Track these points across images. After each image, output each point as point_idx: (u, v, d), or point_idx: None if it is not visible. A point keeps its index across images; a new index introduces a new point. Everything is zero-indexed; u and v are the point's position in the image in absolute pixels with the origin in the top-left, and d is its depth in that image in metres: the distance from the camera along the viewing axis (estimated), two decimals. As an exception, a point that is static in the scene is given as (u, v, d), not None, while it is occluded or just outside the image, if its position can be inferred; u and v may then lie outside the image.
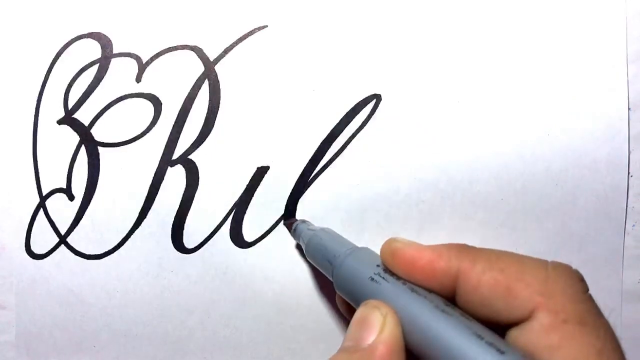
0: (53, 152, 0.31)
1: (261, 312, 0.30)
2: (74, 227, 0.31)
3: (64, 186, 0.31)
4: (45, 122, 0.31)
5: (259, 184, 0.30)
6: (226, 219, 0.30)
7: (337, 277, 0.22)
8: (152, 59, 0.30)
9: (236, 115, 0.30)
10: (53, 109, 0.31)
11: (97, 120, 0.31)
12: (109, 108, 0.30)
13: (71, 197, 0.31)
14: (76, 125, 0.31)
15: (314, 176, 0.30)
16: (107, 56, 0.30)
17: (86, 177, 0.31)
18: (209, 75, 0.30)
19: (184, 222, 0.30)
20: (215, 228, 0.30)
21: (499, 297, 0.17)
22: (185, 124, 0.30)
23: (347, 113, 0.30)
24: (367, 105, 0.30)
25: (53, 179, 0.31)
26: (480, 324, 0.17)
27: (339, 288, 0.22)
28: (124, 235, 0.31)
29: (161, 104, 0.30)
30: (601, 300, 0.17)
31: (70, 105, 0.31)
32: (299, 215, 0.30)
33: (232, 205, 0.30)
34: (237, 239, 0.30)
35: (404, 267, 0.19)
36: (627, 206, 0.29)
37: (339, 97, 0.30)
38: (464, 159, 0.29)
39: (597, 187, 0.29)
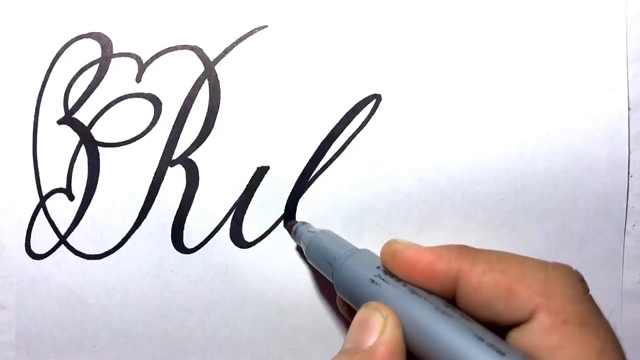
0: (53, 152, 0.31)
1: (261, 312, 0.30)
2: (74, 227, 0.31)
3: (64, 186, 0.31)
4: (45, 122, 0.31)
5: (259, 184, 0.30)
6: (226, 219, 0.30)
7: (337, 279, 0.22)
8: (152, 59, 0.30)
9: (236, 115, 0.30)
10: (53, 109, 0.31)
11: (97, 120, 0.31)
12: (109, 108, 0.30)
13: (71, 197, 0.31)
14: (76, 125, 0.31)
15: (314, 176, 0.30)
16: (107, 56, 0.30)
17: (86, 177, 0.31)
18: (209, 75, 0.30)
19: (184, 222, 0.30)
20: (215, 228, 0.30)
21: (500, 299, 0.17)
22: (185, 124, 0.30)
23: (347, 113, 0.30)
24: (367, 105, 0.30)
25: (53, 179, 0.31)
26: (480, 326, 0.17)
27: (339, 290, 0.22)
28: (124, 235, 0.31)
29: (161, 104, 0.30)
30: (601, 300, 0.17)
31: (70, 105, 0.31)
32: (299, 215, 0.30)
33: (232, 205, 0.30)
34: (237, 239, 0.30)
35: (404, 268, 0.19)
36: (627, 206, 0.29)
37: (339, 97, 0.30)
38: (464, 159, 0.29)
39: (597, 187, 0.29)
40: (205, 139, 0.30)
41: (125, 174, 0.30)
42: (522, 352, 0.16)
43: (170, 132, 0.30)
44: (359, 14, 0.30)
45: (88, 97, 0.30)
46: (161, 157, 0.30)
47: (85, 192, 0.31)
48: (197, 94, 0.30)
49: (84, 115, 0.31)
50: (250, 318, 0.31)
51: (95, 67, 0.30)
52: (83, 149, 0.31)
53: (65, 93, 0.31)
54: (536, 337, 0.16)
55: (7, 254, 0.31)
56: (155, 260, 0.31)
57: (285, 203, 0.30)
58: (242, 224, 0.30)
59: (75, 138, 0.31)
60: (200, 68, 0.30)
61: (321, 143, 0.30)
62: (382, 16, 0.30)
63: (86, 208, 0.31)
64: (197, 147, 0.30)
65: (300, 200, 0.30)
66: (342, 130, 0.30)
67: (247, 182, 0.30)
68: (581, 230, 0.29)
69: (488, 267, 0.18)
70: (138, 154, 0.30)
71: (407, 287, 0.19)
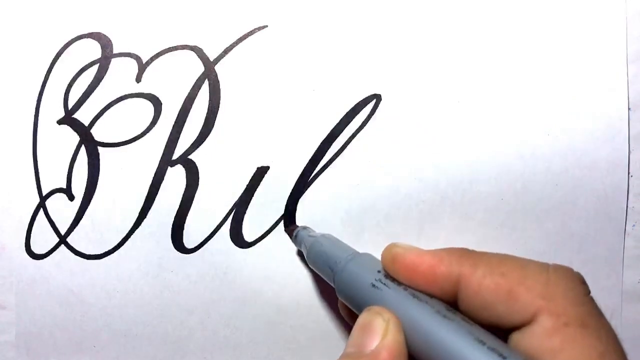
0: (53, 152, 0.31)
1: (261, 312, 0.30)
2: (74, 227, 0.31)
3: (64, 186, 0.31)
4: (45, 122, 0.31)
5: (259, 184, 0.30)
6: (226, 219, 0.30)
7: (338, 284, 0.22)
8: (152, 59, 0.30)
9: (236, 115, 0.30)
10: (53, 109, 0.31)
11: (97, 120, 0.31)
12: (109, 108, 0.30)
13: (71, 197, 0.31)
14: (76, 125, 0.31)
15: (314, 176, 0.30)
16: (107, 56, 0.30)
17: (86, 177, 0.31)
18: (209, 75, 0.30)
19: (184, 222, 0.30)
20: (215, 228, 0.30)
21: (501, 301, 0.17)
22: (185, 124, 0.30)
23: (347, 113, 0.30)
24: (367, 105, 0.30)
25: (53, 179, 0.31)
26: (482, 329, 0.17)
27: (341, 294, 0.22)
28: (124, 235, 0.31)
29: (161, 104, 0.30)
30: (601, 300, 0.17)
31: (70, 105, 0.31)
32: (299, 215, 0.30)
33: (232, 205, 0.30)
34: (237, 239, 0.30)
35: (404, 272, 0.19)
36: (627, 206, 0.29)
37: (339, 97, 0.30)
38: (464, 159, 0.29)
39: (597, 187, 0.29)
40: (205, 139, 0.30)
41: (125, 174, 0.30)
42: (523, 356, 0.16)
43: (170, 132, 0.30)
44: (359, 14, 0.30)
45: (88, 97, 0.30)
46: (161, 157, 0.30)
47: (85, 192, 0.31)
48: (197, 94, 0.30)
49: (84, 115, 0.31)
50: (250, 318, 0.31)
51: (95, 67, 0.30)
52: (83, 149, 0.31)
53: (65, 93, 0.31)
54: (537, 339, 0.16)
55: (7, 254, 0.31)
56: (155, 260, 0.31)
57: (285, 203, 0.30)
58: (242, 224, 0.30)
59: (75, 138, 0.31)
60: (200, 68, 0.30)
61: (321, 143, 0.30)
62: (382, 16, 0.30)
63: (86, 208, 0.31)
64: (197, 147, 0.30)
65: (300, 200, 0.30)
66: (342, 130, 0.30)
67: (247, 182, 0.30)
68: (581, 230, 0.29)
69: (489, 270, 0.18)
70: (138, 154, 0.30)
71: (408, 291, 0.19)
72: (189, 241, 0.30)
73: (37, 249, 0.31)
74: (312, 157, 0.30)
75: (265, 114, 0.30)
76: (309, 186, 0.30)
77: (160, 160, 0.30)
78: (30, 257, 0.31)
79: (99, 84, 0.30)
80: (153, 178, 0.30)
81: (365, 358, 0.18)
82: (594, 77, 0.29)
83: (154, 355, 0.31)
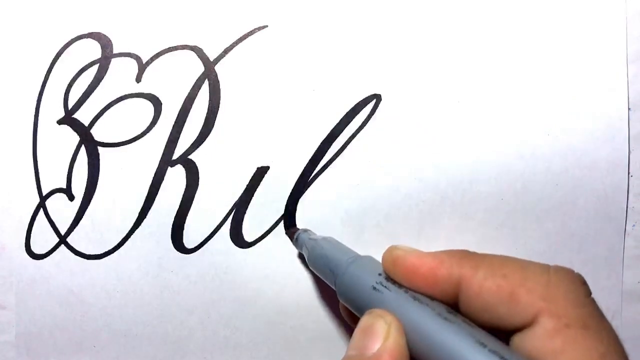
0: (53, 152, 0.31)
1: (261, 312, 0.30)
2: (74, 227, 0.31)
3: (64, 186, 0.31)
4: (45, 122, 0.31)
5: (259, 184, 0.30)
6: (226, 219, 0.30)
7: (339, 287, 0.22)
8: (152, 59, 0.30)
9: (236, 115, 0.30)
10: (53, 109, 0.31)
11: (97, 120, 0.31)
12: (109, 108, 0.30)
13: (71, 197, 0.31)
14: (76, 125, 0.31)
15: (314, 176, 0.30)
16: (107, 56, 0.30)
17: (86, 177, 0.31)
18: (209, 75, 0.30)
19: (184, 222, 0.30)
20: (215, 228, 0.30)
21: (502, 303, 0.17)
22: (185, 124, 0.30)
23: (347, 113, 0.30)
24: (367, 105, 0.30)
25: (53, 179, 0.31)
26: (483, 331, 0.17)
27: (342, 297, 0.22)
28: (124, 235, 0.31)
29: (161, 104, 0.30)
30: (601, 300, 0.17)
31: (70, 105, 0.31)
32: (299, 215, 0.30)
33: (232, 205, 0.30)
34: (237, 239, 0.30)
35: (405, 275, 0.19)
36: (627, 206, 0.29)
37: (339, 97, 0.30)
38: (464, 159, 0.29)
39: (597, 187, 0.29)
40: (205, 139, 0.30)
41: (125, 174, 0.30)
42: (524, 358, 0.16)
43: (170, 132, 0.30)
44: (359, 14, 0.30)
45: (88, 97, 0.30)
46: (161, 157, 0.30)
47: (85, 192, 0.31)
48: (197, 94, 0.30)
49: (84, 115, 0.31)
50: (250, 318, 0.31)
51: (95, 67, 0.30)
52: (83, 149, 0.31)
53: (65, 93, 0.31)
54: (539, 341, 0.16)
55: (7, 254, 0.31)
56: (155, 260, 0.31)
57: (285, 203, 0.30)
58: (242, 224, 0.30)
59: (75, 138, 0.31)
60: (200, 68, 0.30)
61: (321, 143, 0.30)
62: (382, 16, 0.30)
63: (86, 208, 0.31)
64: (197, 147, 0.30)
65: (300, 200, 0.30)
66: (342, 130, 0.30)
67: (247, 182, 0.30)
68: (581, 230, 0.29)
69: (490, 272, 0.18)
70: (138, 154, 0.30)
71: (409, 294, 0.19)
72: (189, 241, 0.30)
73: (37, 249, 0.31)
74: (312, 157, 0.30)
75: (265, 114, 0.30)
76: (309, 186, 0.30)
77: (160, 160, 0.30)
78: (30, 257, 0.31)
79: (99, 84, 0.30)
80: (153, 178, 0.30)
81: None
82: (594, 77, 0.29)
83: (154, 355, 0.31)
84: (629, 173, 0.29)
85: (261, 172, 0.30)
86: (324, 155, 0.30)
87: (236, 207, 0.30)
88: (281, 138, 0.30)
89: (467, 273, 0.18)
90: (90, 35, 0.30)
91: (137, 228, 0.30)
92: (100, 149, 0.31)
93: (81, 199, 0.31)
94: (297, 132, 0.30)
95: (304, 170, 0.30)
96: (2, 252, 0.31)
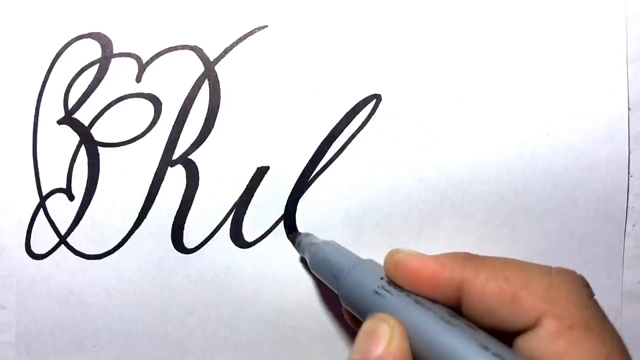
0: (53, 152, 0.31)
1: (261, 312, 0.30)
2: (74, 227, 0.31)
3: (64, 186, 0.31)
4: (45, 122, 0.31)
5: (259, 184, 0.30)
6: (226, 219, 0.30)
7: (342, 291, 0.22)
8: (152, 59, 0.30)
9: (236, 115, 0.30)
10: (53, 109, 0.31)
11: (97, 120, 0.31)
12: (109, 108, 0.30)
13: (71, 197, 0.31)
14: (76, 125, 0.31)
15: (314, 176, 0.30)
16: (107, 56, 0.30)
17: (86, 177, 0.31)
18: (209, 75, 0.30)
19: (184, 222, 0.30)
20: (215, 228, 0.30)
21: (504, 306, 0.17)
22: (185, 124, 0.30)
23: (347, 113, 0.30)
24: (367, 105, 0.30)
25: (53, 179, 0.31)
26: (486, 334, 0.17)
27: (345, 301, 0.22)
28: (124, 235, 0.31)
29: (161, 104, 0.30)
30: (601, 300, 0.17)
31: (70, 105, 0.31)
32: (299, 215, 0.30)
33: (232, 205, 0.30)
34: (237, 239, 0.30)
35: (407, 278, 0.19)
36: (627, 206, 0.29)
37: (339, 97, 0.30)
38: (464, 159, 0.29)
39: (597, 187, 0.29)
40: (205, 139, 0.30)
41: (125, 174, 0.30)
42: None
43: (170, 132, 0.30)
44: (359, 14, 0.30)
45: (88, 97, 0.30)
46: (161, 157, 0.30)
47: (85, 192, 0.31)
48: (197, 94, 0.30)
49: (84, 115, 0.31)
50: (250, 318, 0.31)
51: (95, 67, 0.30)
52: (83, 149, 0.31)
53: (65, 93, 0.31)
54: (542, 343, 0.16)
55: (7, 254, 0.31)
56: (155, 260, 0.31)
57: (285, 203, 0.30)
58: (242, 224, 0.30)
59: (75, 138, 0.31)
60: (200, 68, 0.30)
61: (321, 143, 0.30)
62: (382, 16, 0.30)
63: (86, 208, 0.31)
64: (197, 147, 0.30)
65: (300, 200, 0.30)
66: (342, 130, 0.30)
67: (247, 182, 0.30)
68: (581, 230, 0.29)
69: (492, 275, 0.18)
70: (138, 154, 0.30)
71: (411, 298, 0.19)
72: (189, 241, 0.30)
73: (37, 249, 0.31)
74: (312, 157, 0.30)
75: (265, 114, 0.30)
76: (309, 186, 0.30)
77: (160, 160, 0.30)
78: (30, 257, 0.31)
79: (99, 84, 0.30)
80: (153, 178, 0.30)
81: None
82: (594, 77, 0.29)
83: (154, 355, 0.31)
84: (629, 173, 0.29)
85: (261, 172, 0.30)
86: (324, 155, 0.30)
87: (236, 207, 0.30)
88: (281, 138, 0.30)
89: (469, 276, 0.18)
90: (90, 35, 0.30)
91: (137, 228, 0.30)
92: (100, 149, 0.31)
93: (81, 199, 0.31)
94: (297, 132, 0.30)
95: (304, 170, 0.30)
96: (2, 252, 0.31)
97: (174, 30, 0.30)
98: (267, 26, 0.30)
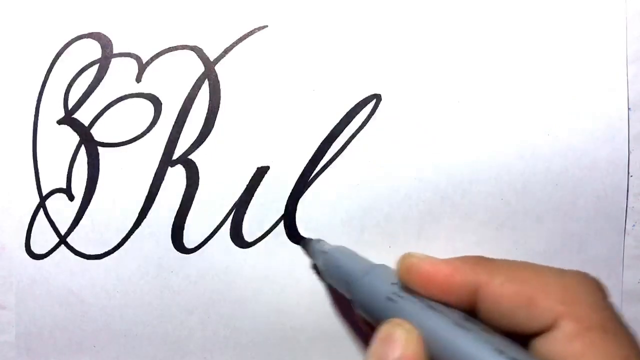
0: (53, 152, 0.31)
1: (261, 312, 0.30)
2: (74, 227, 0.31)
3: (64, 186, 0.31)
4: (45, 122, 0.31)
5: (259, 184, 0.30)
6: (226, 219, 0.30)
7: (356, 298, 0.22)
8: (152, 59, 0.30)
9: (236, 115, 0.30)
10: (53, 109, 0.31)
11: (97, 120, 0.31)
12: (109, 108, 0.30)
13: (71, 197, 0.31)
14: (76, 125, 0.31)
15: (314, 176, 0.30)
16: (107, 56, 0.30)
17: (86, 177, 0.31)
18: (209, 75, 0.30)
19: (184, 222, 0.30)
20: (215, 228, 0.30)
21: (520, 308, 0.17)
22: (185, 124, 0.30)
23: (347, 113, 0.30)
24: (367, 105, 0.30)
25: (53, 179, 0.31)
26: (501, 338, 0.17)
27: (359, 308, 0.22)
28: (124, 235, 0.31)
29: (161, 104, 0.30)
30: (601, 300, 0.17)
31: (70, 105, 0.31)
32: (299, 215, 0.30)
33: (232, 205, 0.30)
34: (237, 239, 0.30)
35: (421, 283, 0.19)
36: (627, 206, 0.29)
37: (339, 97, 0.30)
38: (464, 159, 0.29)
39: (597, 187, 0.29)
40: (205, 139, 0.30)
41: (125, 174, 0.30)
42: None
43: (170, 132, 0.30)
44: (359, 14, 0.30)
45: (88, 97, 0.30)
46: (161, 157, 0.30)
47: (85, 192, 0.31)
48: (197, 94, 0.30)
49: (84, 115, 0.31)
50: (250, 318, 0.31)
51: (95, 67, 0.30)
52: (83, 149, 0.31)
53: (65, 93, 0.31)
54: (559, 345, 0.16)
55: (7, 254, 0.31)
56: (155, 260, 0.31)
57: (285, 203, 0.30)
58: (242, 224, 0.30)
59: (75, 138, 0.31)
60: (200, 68, 0.30)
61: (321, 143, 0.30)
62: (382, 16, 0.30)
63: (86, 208, 0.31)
64: (197, 147, 0.30)
65: (301, 200, 0.30)
66: (342, 130, 0.30)
67: (247, 182, 0.30)
68: (581, 230, 0.29)
69: (507, 278, 0.18)
70: (138, 154, 0.30)
71: (425, 303, 0.19)
72: (189, 241, 0.30)
73: (37, 249, 0.31)
74: (312, 157, 0.30)
75: (265, 114, 0.30)
76: (309, 186, 0.30)
77: (160, 160, 0.30)
78: (30, 257, 0.31)
79: (99, 84, 0.30)
80: (153, 178, 0.30)
81: None
82: (594, 77, 0.29)
83: (154, 355, 0.31)
84: (628, 173, 0.29)
85: (261, 172, 0.30)
86: (324, 155, 0.30)
87: (236, 207, 0.30)
88: (281, 138, 0.30)
89: (483, 279, 0.18)
90: (90, 35, 0.30)
91: (137, 228, 0.30)
92: (100, 149, 0.31)
93: (81, 199, 0.31)
94: (297, 132, 0.30)
95: (304, 170, 0.30)
96: (2, 252, 0.31)
97: (174, 30, 0.30)
98: (267, 26, 0.30)
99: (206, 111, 0.30)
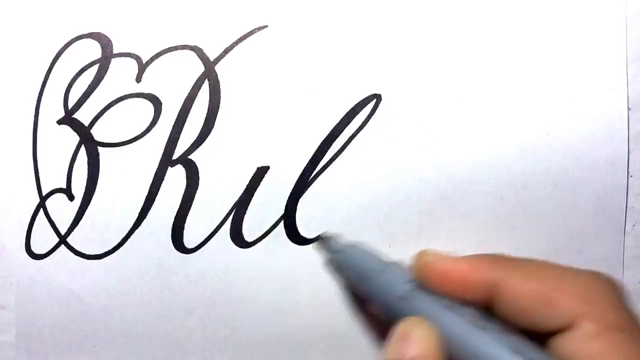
0: (53, 152, 0.31)
1: (261, 312, 0.30)
2: (74, 227, 0.31)
3: (64, 186, 0.31)
4: (45, 122, 0.31)
5: (259, 184, 0.30)
6: (226, 219, 0.30)
7: (371, 295, 0.22)
8: (152, 59, 0.30)
9: (236, 115, 0.30)
10: (53, 109, 0.31)
11: (97, 120, 0.31)
12: (109, 108, 0.30)
13: (71, 197, 0.31)
14: (76, 125, 0.31)
15: (314, 176, 0.30)
16: (107, 56, 0.30)
17: (86, 177, 0.31)
18: (209, 75, 0.30)
19: (184, 222, 0.30)
20: (215, 228, 0.30)
21: (539, 307, 0.17)
22: (185, 124, 0.30)
23: (347, 113, 0.30)
24: (367, 105, 0.30)
25: (53, 179, 0.31)
26: (518, 337, 0.17)
27: (375, 305, 0.22)
28: (124, 235, 0.31)
29: (161, 104, 0.30)
30: (601, 300, 0.17)
31: (70, 105, 0.31)
32: (299, 215, 0.30)
33: (232, 205, 0.30)
34: (237, 239, 0.30)
35: (437, 280, 0.19)
36: (627, 206, 0.29)
37: (339, 97, 0.30)
38: (464, 159, 0.29)
39: (597, 187, 0.29)
40: (205, 139, 0.30)
41: (125, 174, 0.30)
42: None
43: (170, 132, 0.30)
44: (359, 14, 0.30)
45: (88, 97, 0.30)
46: (161, 157, 0.30)
47: (85, 192, 0.31)
48: (197, 94, 0.30)
49: (84, 115, 0.31)
50: (250, 318, 0.31)
51: (95, 67, 0.30)
52: (83, 149, 0.31)
53: (65, 93, 0.31)
54: (577, 344, 0.16)
55: (7, 254, 0.31)
56: (155, 260, 0.31)
57: (285, 203, 0.30)
58: (242, 224, 0.30)
59: (75, 138, 0.31)
60: (200, 68, 0.30)
61: (321, 143, 0.30)
62: (382, 16, 0.30)
63: (86, 208, 0.31)
64: (197, 147, 0.30)
65: (301, 200, 0.30)
66: (342, 130, 0.30)
67: (247, 182, 0.30)
68: (581, 230, 0.29)
69: (525, 276, 0.18)
70: (138, 154, 0.30)
71: (442, 301, 0.19)
72: (189, 241, 0.30)
73: (37, 249, 0.31)
74: (312, 157, 0.30)
75: (265, 114, 0.30)
76: (309, 186, 0.30)
77: (160, 160, 0.30)
78: (30, 257, 0.31)
79: (99, 84, 0.30)
80: (153, 178, 0.30)
81: None
82: (594, 77, 0.29)
83: (154, 355, 0.31)
84: (628, 173, 0.29)
85: (261, 172, 0.30)
86: (324, 155, 0.30)
87: (236, 207, 0.30)
88: (281, 138, 0.30)
89: (501, 277, 0.18)
90: (90, 35, 0.30)
91: (137, 228, 0.30)
92: (100, 149, 0.31)
93: (81, 199, 0.31)
94: (297, 132, 0.30)
95: (304, 170, 0.30)
96: (2, 252, 0.31)
97: (174, 30, 0.30)
98: (267, 26, 0.30)
99: (206, 111, 0.30)
